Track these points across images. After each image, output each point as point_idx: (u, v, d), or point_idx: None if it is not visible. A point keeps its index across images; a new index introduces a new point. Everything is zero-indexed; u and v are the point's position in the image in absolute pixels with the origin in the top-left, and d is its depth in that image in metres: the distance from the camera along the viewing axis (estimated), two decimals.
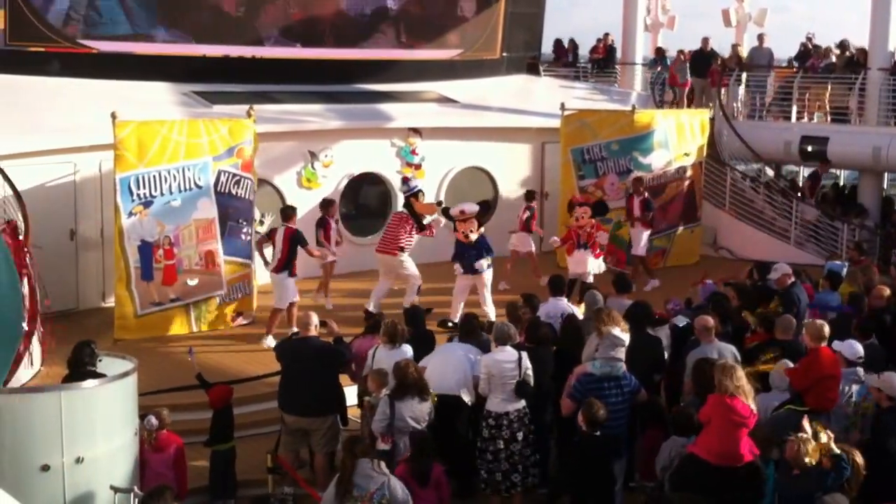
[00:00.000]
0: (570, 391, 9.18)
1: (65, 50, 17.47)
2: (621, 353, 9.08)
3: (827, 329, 9.38)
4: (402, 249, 15.00)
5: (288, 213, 14.35)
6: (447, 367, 9.95)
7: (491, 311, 14.31)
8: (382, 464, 7.87)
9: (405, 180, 16.63)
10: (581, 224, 15.54)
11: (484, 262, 14.46)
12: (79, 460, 7.84)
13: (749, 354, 10.34)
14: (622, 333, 9.13)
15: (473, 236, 14.50)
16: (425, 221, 15.27)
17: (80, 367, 8.95)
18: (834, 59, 22.46)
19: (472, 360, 9.98)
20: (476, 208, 14.82)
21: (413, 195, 15.53)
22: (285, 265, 13.90)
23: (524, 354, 9.59)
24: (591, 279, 15.16)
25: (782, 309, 11.60)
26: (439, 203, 16.27)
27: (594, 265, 15.56)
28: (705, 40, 23.70)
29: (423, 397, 9.20)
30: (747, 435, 8.06)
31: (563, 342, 10.61)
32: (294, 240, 13.87)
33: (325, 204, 15.84)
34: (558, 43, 26.44)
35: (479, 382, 9.73)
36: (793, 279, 12.61)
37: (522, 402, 9.53)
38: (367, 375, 10.02)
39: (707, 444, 8.06)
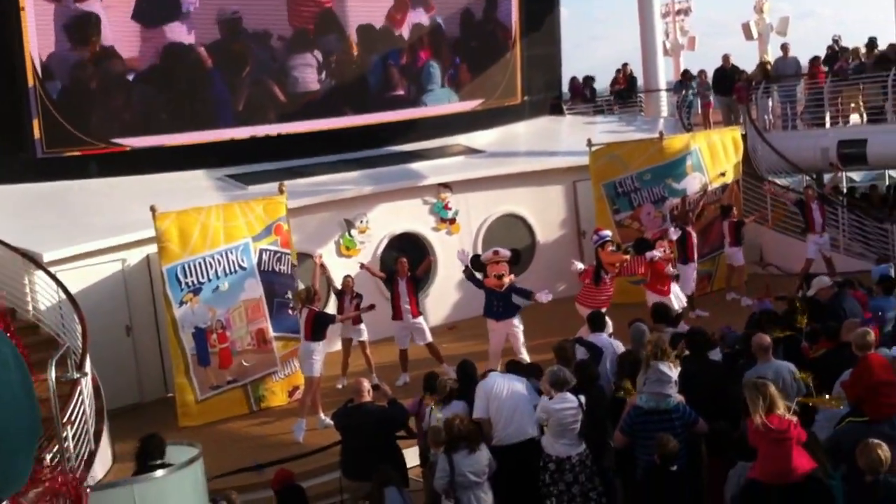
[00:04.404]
0: (621, 424, 9.20)
1: (100, 151, 17.98)
2: (669, 389, 8.95)
3: (871, 336, 9.26)
4: (579, 300, 14.98)
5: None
6: (515, 412, 9.95)
7: (525, 357, 13.97)
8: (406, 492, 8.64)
9: (596, 231, 16.12)
10: (667, 258, 15.65)
11: (543, 296, 14.03)
12: None
13: (817, 364, 10.26)
14: (669, 369, 9.02)
15: (506, 280, 14.25)
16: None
17: (147, 460, 9.09)
18: (863, 59, 22.19)
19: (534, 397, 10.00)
20: (508, 253, 14.58)
21: (600, 245, 15.25)
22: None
23: (583, 398, 9.54)
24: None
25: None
26: (626, 251, 15.83)
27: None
28: (726, 57, 23.71)
29: (474, 448, 9.23)
30: (799, 447, 7.94)
31: (620, 377, 10.57)
32: (318, 321, 13.71)
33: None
34: (573, 81, 26.56)
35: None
36: (835, 290, 12.49)
37: (583, 445, 9.51)
38: (425, 434, 10.14)
39: (760, 467, 7.94)
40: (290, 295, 15.04)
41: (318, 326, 13.58)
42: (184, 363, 14.38)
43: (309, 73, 20.42)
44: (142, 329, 15.59)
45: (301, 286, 15.73)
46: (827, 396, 9.40)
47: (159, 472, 8.45)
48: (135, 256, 15.54)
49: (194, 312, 14.47)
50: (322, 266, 15.02)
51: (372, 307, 14.61)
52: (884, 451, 7.48)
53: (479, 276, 14.52)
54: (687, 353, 10.51)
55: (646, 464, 8.80)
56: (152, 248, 14.93)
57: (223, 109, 19.60)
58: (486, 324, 14.62)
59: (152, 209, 14.24)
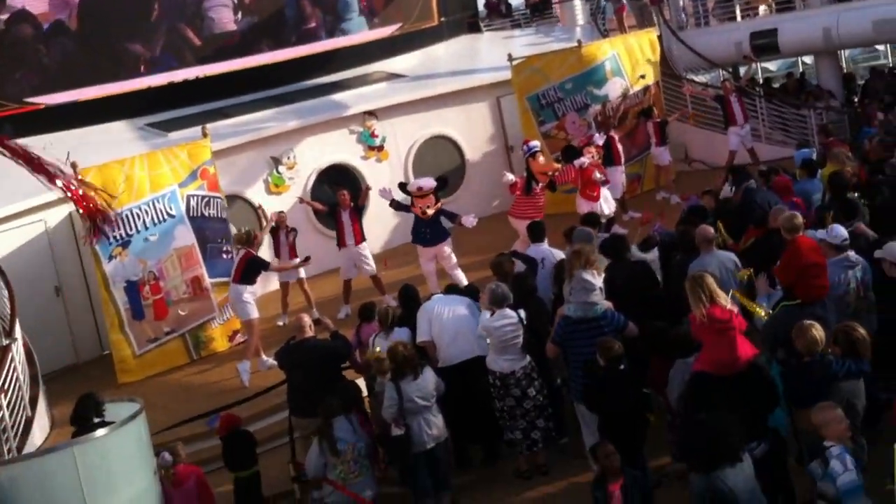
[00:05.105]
0: (552, 335, 9.21)
1: (14, 112, 17.45)
2: (594, 297, 8.92)
3: (799, 219, 9.32)
4: (512, 212, 14.95)
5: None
6: (458, 333, 9.98)
7: (461, 277, 14.14)
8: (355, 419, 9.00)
9: (524, 143, 16.05)
10: (596, 164, 15.60)
11: (468, 220, 14.09)
12: None
13: (749, 254, 10.36)
14: (592, 276, 8.97)
15: (430, 211, 14.21)
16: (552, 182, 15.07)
17: (86, 421, 8.96)
18: None
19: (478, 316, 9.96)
20: (433, 184, 14.48)
21: (531, 156, 15.16)
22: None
23: (522, 312, 9.55)
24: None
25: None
26: (557, 160, 16.07)
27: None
28: None
29: (418, 371, 9.23)
30: (742, 335, 7.97)
31: (558, 285, 10.55)
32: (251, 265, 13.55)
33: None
34: None
35: None
36: (747, 184, 12.63)
37: (528, 358, 9.53)
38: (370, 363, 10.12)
39: (706, 358, 7.97)
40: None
41: (249, 270, 13.45)
42: (118, 319, 14.15)
43: (224, 14, 19.86)
44: (71, 288, 15.36)
45: (233, 229, 15.62)
46: (757, 308, 9.45)
47: (100, 432, 8.29)
48: (57, 216, 15.23)
49: (125, 266, 14.22)
50: (260, 208, 15.39)
51: (307, 260, 14.38)
52: (818, 330, 7.58)
53: (406, 203, 14.51)
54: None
55: (591, 367, 8.78)
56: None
57: (138, 58, 19.00)
58: (416, 250, 14.62)
59: (73, 165, 13.85)
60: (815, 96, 21.17)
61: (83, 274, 15.24)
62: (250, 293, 13.52)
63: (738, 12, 22.00)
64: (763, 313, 9.09)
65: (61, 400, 11.84)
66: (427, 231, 14.31)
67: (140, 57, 18.96)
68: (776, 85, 24.59)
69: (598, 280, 9.00)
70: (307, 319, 10.46)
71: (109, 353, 14.56)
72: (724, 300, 7.97)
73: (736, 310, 8.08)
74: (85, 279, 15.26)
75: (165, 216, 14.67)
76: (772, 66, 28.58)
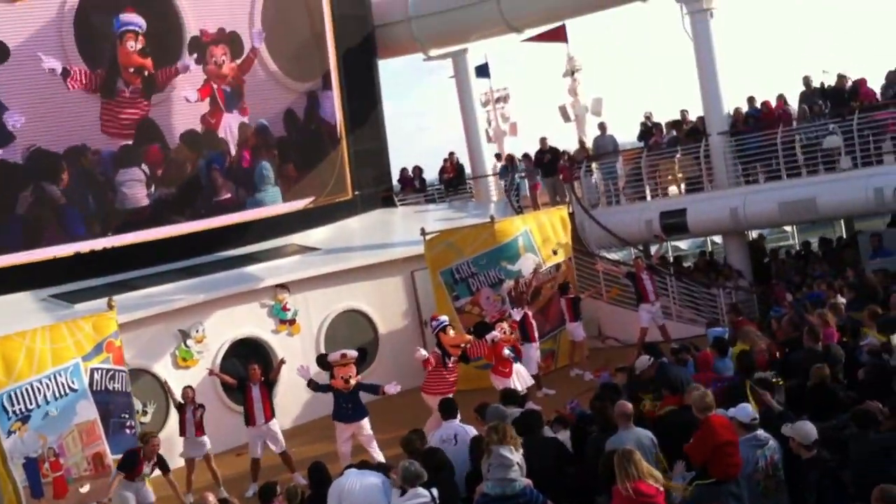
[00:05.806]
0: None
1: None
2: (513, 473, 8.70)
3: (710, 397, 9.40)
4: (424, 389, 14.74)
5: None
6: None
7: (377, 453, 13.81)
8: None
9: (432, 318, 15.98)
10: (507, 339, 15.67)
11: (392, 388, 13.93)
12: None
13: (664, 423, 10.37)
14: (510, 452, 8.79)
15: (353, 381, 14.00)
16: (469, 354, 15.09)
17: None
18: (675, 132, 23.07)
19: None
20: (356, 354, 14.32)
21: (441, 330, 15.04)
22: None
23: (435, 491, 9.32)
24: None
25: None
26: (470, 331, 15.91)
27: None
28: (542, 140, 24.53)
29: None
30: None
31: (476, 464, 10.37)
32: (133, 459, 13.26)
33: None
34: (403, 172, 26.76)
35: None
36: (661, 360, 12.80)
37: None
38: None
39: None
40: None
41: (126, 461, 13.16)
42: (16, 497, 13.52)
43: (137, 189, 19.59)
44: None
45: (138, 404, 15.21)
46: (673, 482, 9.44)
47: None
48: None
49: (24, 442, 13.69)
50: (166, 384, 15.38)
51: None
52: None
53: (324, 382, 14.24)
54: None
55: None
56: None
57: (44, 227, 18.65)
58: (335, 427, 14.20)
59: None
60: (724, 276, 21.70)
61: None
62: (128, 486, 13.04)
63: (647, 192, 22.60)
64: (683, 492, 9.04)
65: None
66: (349, 406, 14.02)
67: (46, 226, 18.61)
68: (687, 264, 25.18)
69: (516, 456, 8.86)
70: (212, 499, 10.16)
71: None
72: (653, 478, 7.97)
73: (661, 487, 8.04)
74: None
75: (67, 390, 14.25)
76: (683, 244, 29.38)
